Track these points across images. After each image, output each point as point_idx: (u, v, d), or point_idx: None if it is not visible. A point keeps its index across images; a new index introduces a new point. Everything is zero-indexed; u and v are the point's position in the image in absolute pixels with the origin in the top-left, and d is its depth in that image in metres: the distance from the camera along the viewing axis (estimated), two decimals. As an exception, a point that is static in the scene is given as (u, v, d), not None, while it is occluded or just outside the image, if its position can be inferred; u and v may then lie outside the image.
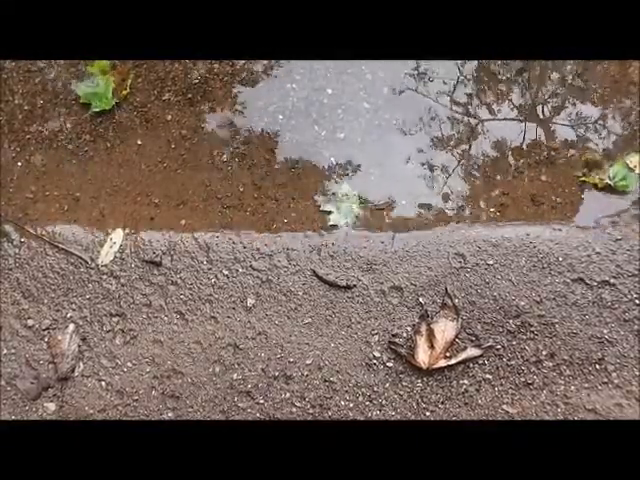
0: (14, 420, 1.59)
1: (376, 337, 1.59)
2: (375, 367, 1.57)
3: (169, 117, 1.80)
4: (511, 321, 1.58)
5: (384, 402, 1.55)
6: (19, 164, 1.79)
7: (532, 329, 1.56)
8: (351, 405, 1.56)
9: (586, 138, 1.72)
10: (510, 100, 1.77)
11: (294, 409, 1.56)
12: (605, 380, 1.52)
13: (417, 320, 1.60)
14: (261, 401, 1.57)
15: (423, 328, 1.58)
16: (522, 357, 1.56)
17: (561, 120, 1.75)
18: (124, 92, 1.80)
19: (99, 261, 1.69)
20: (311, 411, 1.56)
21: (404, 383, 1.56)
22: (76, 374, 1.61)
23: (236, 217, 1.71)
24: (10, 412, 1.60)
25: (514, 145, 1.73)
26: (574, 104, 1.76)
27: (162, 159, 1.77)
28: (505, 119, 1.76)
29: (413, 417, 1.54)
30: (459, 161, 1.73)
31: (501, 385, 1.55)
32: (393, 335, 1.59)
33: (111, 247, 1.69)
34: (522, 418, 1.52)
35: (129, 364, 1.61)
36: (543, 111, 1.76)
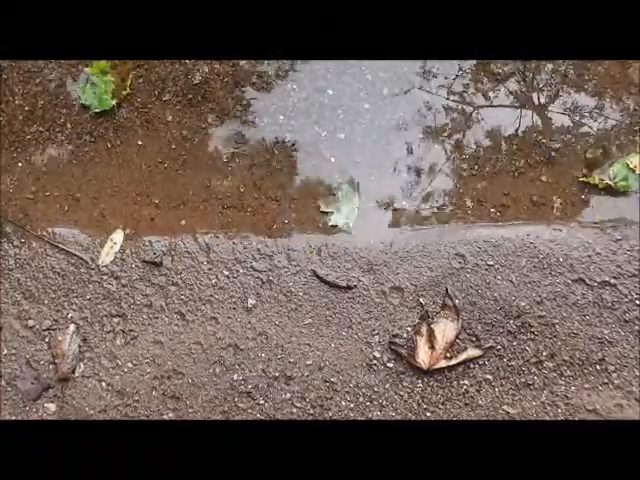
0: (14, 420, 1.59)
1: (377, 337, 1.59)
2: (376, 368, 1.58)
3: (169, 118, 1.80)
4: (511, 321, 1.58)
5: (385, 403, 1.55)
6: (19, 164, 1.79)
7: (532, 330, 1.57)
8: (352, 406, 1.56)
9: (587, 138, 1.72)
10: (511, 100, 1.77)
11: (294, 409, 1.56)
12: (605, 381, 1.52)
13: (417, 321, 1.60)
14: (261, 402, 1.57)
15: (424, 329, 1.58)
16: (522, 358, 1.56)
17: (560, 121, 1.75)
18: (124, 92, 1.80)
19: (99, 262, 1.69)
20: (311, 411, 1.56)
21: (405, 384, 1.56)
22: (76, 375, 1.61)
23: (236, 218, 1.71)
24: (10, 412, 1.60)
25: (514, 146, 1.73)
26: (574, 102, 1.75)
27: (162, 159, 1.77)
28: (505, 117, 1.76)
29: (414, 417, 1.54)
30: (459, 161, 1.73)
31: (501, 386, 1.55)
32: (393, 336, 1.59)
33: (111, 247, 1.69)
34: (522, 418, 1.52)
35: (130, 364, 1.61)
36: (542, 111, 1.76)
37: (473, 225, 1.67)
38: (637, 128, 1.71)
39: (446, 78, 1.79)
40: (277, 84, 1.81)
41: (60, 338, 1.62)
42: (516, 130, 1.74)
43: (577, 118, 1.74)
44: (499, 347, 1.57)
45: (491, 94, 1.78)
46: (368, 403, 1.56)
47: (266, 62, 1.82)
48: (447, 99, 1.78)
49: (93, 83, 1.81)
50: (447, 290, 1.61)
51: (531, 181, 1.70)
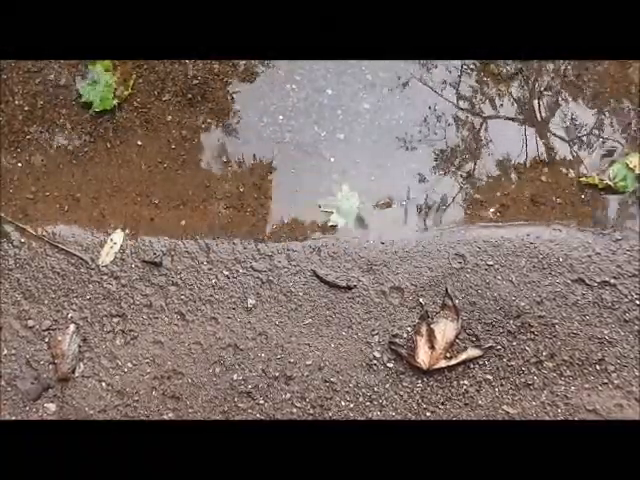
0: (14, 420, 1.59)
1: (376, 337, 1.59)
2: (375, 367, 1.58)
3: (169, 118, 1.80)
4: (511, 322, 1.58)
5: (384, 402, 1.55)
6: (19, 164, 1.79)
7: (532, 330, 1.57)
8: (351, 406, 1.56)
9: (587, 138, 1.73)
10: (511, 100, 1.77)
11: (294, 409, 1.56)
12: (605, 381, 1.53)
13: (417, 321, 1.60)
14: (261, 402, 1.57)
15: (423, 329, 1.58)
16: (522, 358, 1.56)
17: (563, 119, 1.75)
18: (126, 92, 1.80)
19: (99, 262, 1.69)
20: (311, 411, 1.56)
21: (404, 384, 1.56)
22: (76, 375, 1.61)
23: (236, 217, 1.72)
24: (10, 412, 1.60)
25: (514, 145, 1.73)
26: (574, 104, 1.75)
27: (162, 159, 1.77)
28: (506, 119, 1.76)
29: (413, 417, 1.54)
30: (459, 161, 1.73)
31: (501, 386, 1.55)
32: (393, 336, 1.59)
33: (111, 247, 1.69)
34: (522, 419, 1.52)
35: (129, 365, 1.61)
36: (542, 111, 1.76)
37: (473, 225, 1.67)
38: (637, 128, 1.71)
39: (447, 79, 1.79)
40: (277, 84, 1.81)
41: (60, 338, 1.62)
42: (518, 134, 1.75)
43: (577, 118, 1.74)
44: (499, 347, 1.57)
45: (492, 97, 1.78)
46: (368, 403, 1.56)
47: (266, 62, 1.82)
48: (447, 100, 1.78)
49: (96, 82, 1.81)
50: (447, 290, 1.61)
51: (531, 181, 1.70)
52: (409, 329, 1.59)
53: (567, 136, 1.73)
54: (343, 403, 1.56)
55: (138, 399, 1.59)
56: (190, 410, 1.58)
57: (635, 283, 1.56)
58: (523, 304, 1.58)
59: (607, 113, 1.74)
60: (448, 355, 1.56)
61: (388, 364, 1.58)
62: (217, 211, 1.72)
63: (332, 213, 1.70)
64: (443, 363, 1.55)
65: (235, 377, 1.59)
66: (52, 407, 1.60)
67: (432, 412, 1.54)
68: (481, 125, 1.76)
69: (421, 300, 1.61)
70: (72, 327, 1.64)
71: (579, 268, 1.59)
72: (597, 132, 1.73)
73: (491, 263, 1.62)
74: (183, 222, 1.72)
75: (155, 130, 1.79)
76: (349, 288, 1.63)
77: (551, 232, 1.63)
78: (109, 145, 1.79)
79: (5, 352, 1.64)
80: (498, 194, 1.70)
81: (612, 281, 1.57)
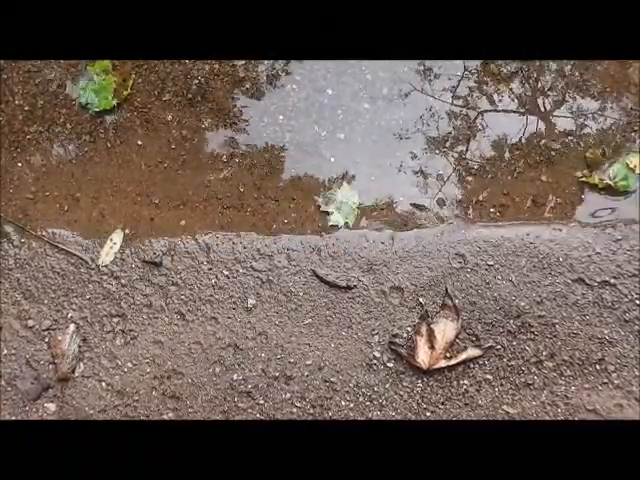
0: (14, 420, 1.59)
1: (376, 337, 1.59)
2: (375, 367, 1.58)
3: (169, 117, 1.80)
4: (511, 321, 1.58)
5: (384, 402, 1.55)
6: (19, 164, 1.79)
7: (532, 329, 1.57)
8: (351, 405, 1.56)
9: (586, 138, 1.72)
10: (510, 98, 1.77)
11: (294, 409, 1.56)
12: (605, 380, 1.52)
13: (417, 320, 1.60)
14: (261, 401, 1.57)
15: (423, 328, 1.58)
16: (522, 357, 1.56)
17: (561, 120, 1.75)
18: (125, 92, 1.80)
19: (99, 261, 1.69)
20: (311, 411, 1.56)
21: (404, 383, 1.56)
22: (76, 374, 1.61)
23: (236, 217, 1.72)
24: (10, 412, 1.60)
25: (514, 145, 1.73)
26: (574, 102, 1.75)
27: (162, 159, 1.77)
28: (505, 116, 1.76)
29: (413, 417, 1.54)
30: (459, 161, 1.73)
31: (501, 385, 1.55)
32: (393, 335, 1.59)
33: (111, 247, 1.69)
34: (522, 418, 1.52)
35: (129, 364, 1.61)
36: (544, 109, 1.76)
37: (473, 225, 1.67)
38: (637, 128, 1.71)
39: (449, 79, 1.79)
40: (277, 84, 1.81)
41: (60, 338, 1.62)
42: (517, 131, 1.75)
43: (577, 118, 1.74)
44: (499, 347, 1.57)
45: (494, 96, 1.78)
46: (368, 403, 1.56)
47: (266, 62, 1.82)
48: (447, 101, 1.78)
49: (95, 82, 1.81)
50: (447, 290, 1.61)
51: (531, 181, 1.70)
52: (409, 329, 1.59)
53: (567, 135, 1.73)
54: (343, 403, 1.56)
55: (138, 399, 1.59)
56: (190, 410, 1.58)
57: (635, 283, 1.56)
58: (523, 304, 1.58)
59: (607, 112, 1.74)
60: (448, 355, 1.56)
61: (388, 364, 1.58)
62: (217, 211, 1.72)
63: (332, 213, 1.70)
64: (443, 363, 1.55)
65: (235, 377, 1.59)
66: (52, 407, 1.60)
67: (432, 412, 1.54)
68: (481, 124, 1.76)
69: (421, 300, 1.61)
70: (72, 327, 1.64)
71: (579, 268, 1.59)
72: (597, 131, 1.72)
73: (491, 263, 1.62)
74: (183, 222, 1.72)
75: (155, 130, 1.79)
76: (349, 288, 1.63)
77: (551, 232, 1.63)
78: (109, 145, 1.79)
79: (5, 352, 1.64)
80: (498, 194, 1.70)
81: (612, 281, 1.57)
